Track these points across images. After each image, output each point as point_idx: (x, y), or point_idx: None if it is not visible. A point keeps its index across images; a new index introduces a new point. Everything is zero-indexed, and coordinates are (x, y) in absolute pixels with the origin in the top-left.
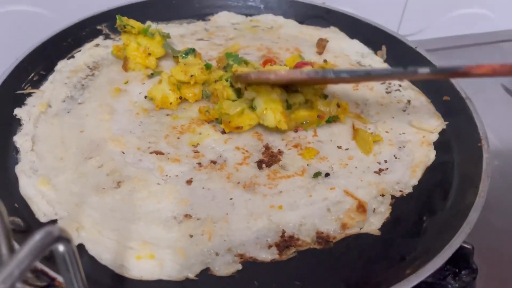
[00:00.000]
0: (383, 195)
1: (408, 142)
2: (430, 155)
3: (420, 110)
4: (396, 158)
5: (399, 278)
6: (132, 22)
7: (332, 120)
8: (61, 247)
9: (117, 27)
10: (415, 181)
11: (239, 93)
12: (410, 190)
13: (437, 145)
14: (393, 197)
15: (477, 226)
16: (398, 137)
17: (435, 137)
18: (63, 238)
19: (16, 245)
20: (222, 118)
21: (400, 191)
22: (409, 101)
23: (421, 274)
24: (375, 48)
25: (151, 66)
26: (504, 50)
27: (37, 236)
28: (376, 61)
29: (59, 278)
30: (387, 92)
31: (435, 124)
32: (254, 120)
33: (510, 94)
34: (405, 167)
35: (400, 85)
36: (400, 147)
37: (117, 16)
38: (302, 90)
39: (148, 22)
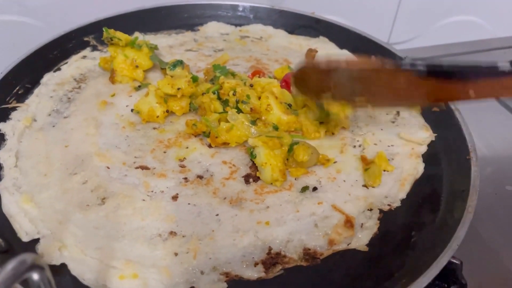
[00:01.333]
0: (371, 210)
1: (396, 154)
2: (418, 168)
3: (409, 121)
4: (385, 171)
5: None
6: (119, 34)
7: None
8: (35, 276)
9: (104, 40)
10: (403, 195)
11: (226, 105)
12: (398, 204)
13: (426, 157)
14: (381, 211)
15: (466, 240)
16: (387, 149)
17: (424, 149)
18: (37, 266)
19: None
20: (210, 132)
21: (389, 205)
22: (398, 113)
23: None
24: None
25: (139, 79)
26: (496, 58)
27: (10, 265)
28: None
29: None
30: None
31: (424, 136)
32: (241, 138)
33: (501, 104)
34: (393, 180)
35: None
36: (388, 159)
37: (104, 29)
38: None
39: (136, 33)
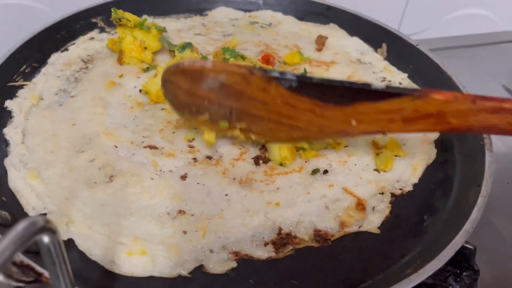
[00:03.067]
0: (382, 193)
1: (408, 140)
2: (431, 154)
3: None
4: (396, 156)
5: (400, 277)
6: (128, 15)
7: None
8: (45, 238)
9: (112, 20)
10: (415, 179)
11: None
12: (410, 188)
13: (439, 143)
14: (393, 195)
15: (479, 228)
16: (398, 135)
17: (436, 135)
18: (48, 228)
19: None
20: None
21: (400, 189)
22: None
23: (422, 274)
24: (376, 45)
25: (147, 60)
26: (504, 51)
27: (20, 226)
28: (376, 59)
29: (46, 274)
30: None
31: None
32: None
33: (511, 95)
34: (405, 165)
35: (400, 83)
36: (401, 145)
37: (112, 9)
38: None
39: (145, 16)
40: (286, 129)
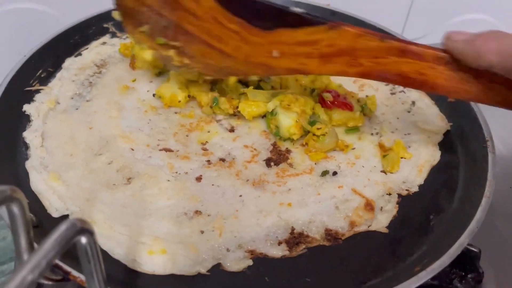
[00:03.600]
0: (389, 194)
1: (413, 142)
2: (435, 155)
3: (424, 111)
4: (402, 158)
5: (409, 274)
6: None
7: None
8: (83, 239)
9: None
10: (421, 180)
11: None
12: (416, 189)
13: (442, 145)
14: (399, 196)
15: (483, 231)
16: (403, 138)
17: (440, 137)
18: (86, 230)
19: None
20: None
21: (407, 190)
22: (413, 102)
23: (431, 271)
24: None
25: (159, 66)
26: None
27: (63, 227)
28: None
29: (74, 272)
30: (392, 93)
31: (440, 125)
32: (260, 107)
33: None
34: (411, 167)
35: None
36: (406, 147)
37: (113, 13)
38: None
39: None
40: (216, 55)
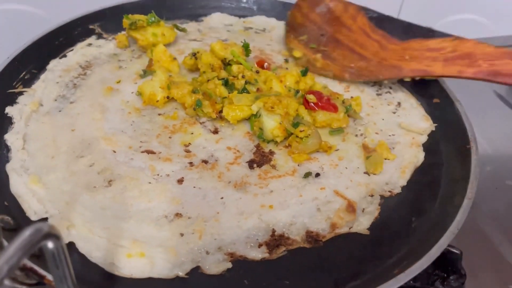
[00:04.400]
0: (372, 195)
1: (397, 143)
2: (419, 156)
3: (409, 112)
4: (385, 159)
5: (388, 277)
6: (138, 16)
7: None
8: (50, 244)
9: (128, 27)
10: (404, 182)
11: (231, 91)
12: (399, 190)
13: (426, 146)
14: (382, 197)
15: (466, 232)
16: (388, 139)
17: (424, 138)
18: (53, 234)
19: (5, 243)
20: (211, 99)
21: (389, 191)
22: (399, 103)
23: (409, 274)
24: None
25: (173, 71)
26: None
27: (27, 232)
28: None
29: (49, 276)
30: (378, 94)
31: (424, 126)
32: (243, 110)
33: (502, 100)
34: (394, 168)
35: (390, 88)
36: (390, 148)
37: (125, 16)
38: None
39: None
40: (356, 59)
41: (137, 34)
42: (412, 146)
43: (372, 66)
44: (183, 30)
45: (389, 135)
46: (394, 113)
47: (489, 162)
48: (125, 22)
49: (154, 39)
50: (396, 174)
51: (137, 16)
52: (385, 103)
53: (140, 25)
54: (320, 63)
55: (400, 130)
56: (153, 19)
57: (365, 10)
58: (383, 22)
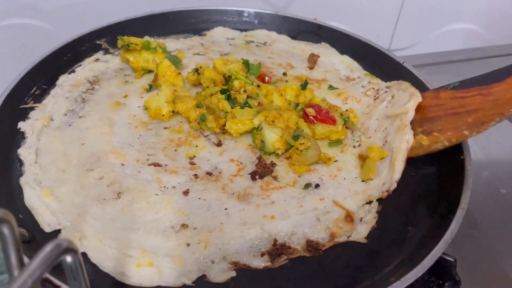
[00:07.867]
0: (370, 202)
1: (388, 134)
2: (408, 138)
3: (399, 98)
4: (381, 159)
5: (384, 285)
6: (134, 39)
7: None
8: (69, 258)
9: (121, 47)
10: (397, 175)
11: (234, 105)
12: (394, 186)
13: (420, 158)
14: (380, 202)
15: (460, 239)
16: (380, 136)
17: (411, 116)
18: (71, 249)
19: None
20: (215, 114)
21: (387, 191)
22: (392, 96)
23: (405, 281)
24: (364, 63)
25: (178, 85)
26: (493, 66)
27: (48, 248)
28: (363, 74)
29: (64, 287)
30: (375, 99)
31: (407, 105)
32: (246, 124)
33: None
34: (387, 165)
35: (387, 87)
36: (382, 144)
37: (119, 37)
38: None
39: (146, 37)
40: (463, 116)
41: (130, 56)
42: (399, 129)
43: (489, 110)
44: (177, 63)
45: (382, 131)
46: (387, 107)
47: (483, 170)
48: (119, 42)
49: (145, 65)
50: (388, 170)
51: (132, 39)
52: (379, 103)
53: (133, 48)
54: (425, 140)
55: (390, 119)
56: (152, 47)
57: (442, 87)
58: (467, 83)
